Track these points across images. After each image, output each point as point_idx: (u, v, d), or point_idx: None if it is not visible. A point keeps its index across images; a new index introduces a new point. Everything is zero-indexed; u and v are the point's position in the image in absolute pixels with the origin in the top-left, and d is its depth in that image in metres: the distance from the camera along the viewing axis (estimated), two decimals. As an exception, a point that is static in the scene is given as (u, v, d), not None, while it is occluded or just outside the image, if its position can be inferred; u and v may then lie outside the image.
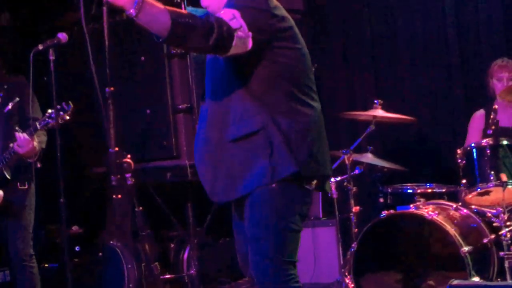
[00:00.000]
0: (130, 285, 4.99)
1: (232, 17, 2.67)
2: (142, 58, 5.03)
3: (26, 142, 4.34)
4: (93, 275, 5.18)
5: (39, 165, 4.55)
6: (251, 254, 2.87)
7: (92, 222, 5.65)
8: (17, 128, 4.37)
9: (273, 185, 2.76)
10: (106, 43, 2.79)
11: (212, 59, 2.95)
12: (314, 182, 2.86)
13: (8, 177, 4.47)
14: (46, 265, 5.27)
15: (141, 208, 2.97)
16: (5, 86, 4.53)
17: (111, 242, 5.18)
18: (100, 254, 5.18)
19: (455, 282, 2.94)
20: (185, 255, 5.53)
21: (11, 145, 4.40)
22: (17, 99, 4.49)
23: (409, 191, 4.72)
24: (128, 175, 2.91)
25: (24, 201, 4.56)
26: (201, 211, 5.36)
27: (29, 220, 4.60)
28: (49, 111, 4.36)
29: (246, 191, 2.82)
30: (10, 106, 4.44)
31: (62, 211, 4.26)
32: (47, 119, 4.35)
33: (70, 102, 4.34)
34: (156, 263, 3.04)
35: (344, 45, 6.32)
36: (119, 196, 2.88)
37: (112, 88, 2.86)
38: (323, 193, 5.85)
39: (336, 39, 6.35)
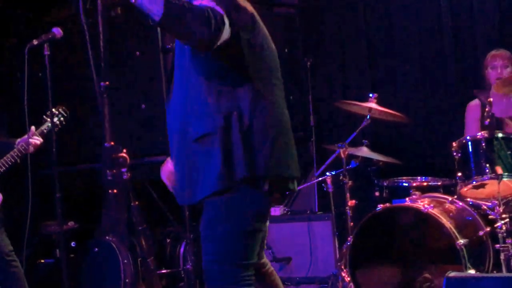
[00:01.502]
0: (127, 280, 4.98)
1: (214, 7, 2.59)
2: (137, 53, 5.03)
3: (40, 144, 4.51)
4: (89, 270, 5.17)
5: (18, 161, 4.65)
6: (202, 252, 2.80)
7: (88, 218, 5.64)
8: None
9: (228, 188, 2.68)
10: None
11: (179, 51, 2.85)
12: (267, 183, 2.73)
13: None
14: (42, 260, 5.26)
15: (137, 202, 2.96)
16: None
17: (107, 237, 5.18)
18: (96, 249, 5.17)
19: (452, 274, 2.94)
20: (181, 250, 5.54)
21: (19, 146, 4.51)
22: None
23: (405, 184, 4.72)
24: (123, 169, 2.90)
25: None
26: (196, 206, 5.36)
27: (1, 217, 4.65)
28: (47, 118, 4.53)
29: (204, 195, 2.72)
30: None
31: (58, 206, 4.25)
32: (49, 124, 4.50)
33: (65, 109, 4.49)
34: (152, 257, 3.03)
35: (339, 38, 6.31)
36: (115, 190, 2.88)
37: (107, 83, 2.85)
38: (318, 187, 5.90)
39: (331, 32, 6.34)
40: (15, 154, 4.52)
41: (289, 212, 5.80)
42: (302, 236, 5.50)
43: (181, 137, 2.81)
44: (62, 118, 4.64)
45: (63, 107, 4.66)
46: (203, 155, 2.71)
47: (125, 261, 5.00)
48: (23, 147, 4.50)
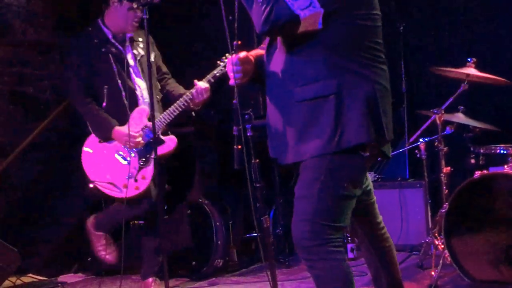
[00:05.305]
0: (219, 242, 5.06)
1: None
2: (230, 17, 5.04)
3: (206, 90, 4.51)
4: (182, 232, 5.26)
5: (193, 114, 4.76)
6: (293, 213, 2.83)
7: (180, 180, 5.72)
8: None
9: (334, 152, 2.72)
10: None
11: None
12: (369, 148, 2.78)
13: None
14: (136, 222, 5.38)
15: (257, 160, 3.01)
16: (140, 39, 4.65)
17: (200, 200, 5.26)
18: (189, 211, 5.26)
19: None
20: (271, 214, 5.57)
21: (188, 93, 4.53)
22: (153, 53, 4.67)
23: (503, 151, 4.55)
24: (248, 126, 2.99)
25: None
26: (287, 170, 5.37)
27: None
28: (220, 63, 4.52)
29: (310, 156, 2.77)
30: (152, 58, 4.52)
31: (155, 169, 4.34)
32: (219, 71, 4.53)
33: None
34: (267, 216, 3.08)
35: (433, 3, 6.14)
36: (239, 146, 2.94)
37: (239, 42, 2.93)
38: (409, 154, 5.80)
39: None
40: (178, 105, 4.54)
41: (380, 179, 5.74)
42: (393, 203, 5.45)
43: (285, 97, 2.84)
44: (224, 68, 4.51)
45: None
46: (311, 117, 2.76)
47: (218, 223, 5.08)
48: (184, 100, 4.52)
